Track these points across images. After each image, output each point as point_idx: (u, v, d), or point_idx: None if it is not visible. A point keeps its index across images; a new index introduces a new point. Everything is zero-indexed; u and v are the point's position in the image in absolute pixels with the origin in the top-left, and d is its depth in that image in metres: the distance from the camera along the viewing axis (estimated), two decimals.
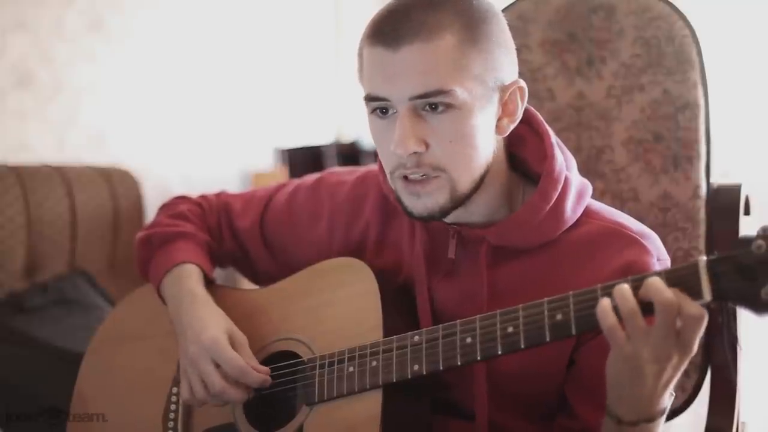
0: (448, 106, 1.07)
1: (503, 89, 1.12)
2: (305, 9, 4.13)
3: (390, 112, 1.11)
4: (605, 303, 0.96)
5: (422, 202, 1.12)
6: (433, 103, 1.07)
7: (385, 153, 1.14)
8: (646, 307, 0.95)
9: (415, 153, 1.09)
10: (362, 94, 1.15)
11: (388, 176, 1.15)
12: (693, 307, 0.93)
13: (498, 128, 1.14)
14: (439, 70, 1.06)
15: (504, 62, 1.12)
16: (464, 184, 1.12)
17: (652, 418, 1.01)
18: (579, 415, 1.14)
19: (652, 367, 0.96)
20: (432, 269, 1.22)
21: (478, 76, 1.08)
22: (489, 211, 1.18)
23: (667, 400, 1.02)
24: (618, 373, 1.00)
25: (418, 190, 1.11)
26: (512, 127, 1.16)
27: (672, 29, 1.49)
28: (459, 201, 1.12)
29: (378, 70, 1.09)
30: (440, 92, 1.07)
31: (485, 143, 1.12)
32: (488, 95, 1.10)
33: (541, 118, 1.21)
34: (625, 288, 0.96)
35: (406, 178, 1.12)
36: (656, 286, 0.94)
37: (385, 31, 1.08)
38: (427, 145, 1.09)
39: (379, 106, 1.11)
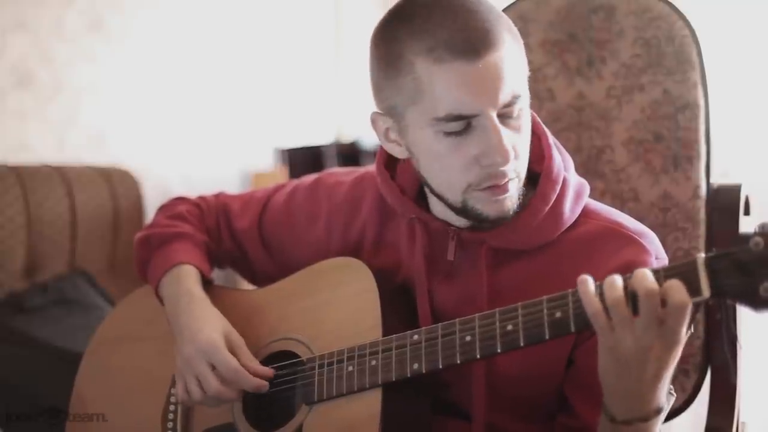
0: (522, 109, 1.09)
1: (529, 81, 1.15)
2: (305, 9, 4.13)
3: (461, 126, 1.07)
4: (590, 288, 0.96)
5: (500, 204, 1.11)
6: (514, 109, 1.08)
7: (458, 168, 1.09)
8: (636, 300, 0.95)
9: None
10: (424, 114, 1.08)
11: (461, 190, 1.11)
12: (676, 294, 0.93)
13: None
14: (514, 75, 1.07)
15: (525, 56, 1.14)
16: (523, 179, 1.13)
17: (646, 418, 1.01)
18: (579, 414, 1.14)
19: (635, 358, 0.96)
20: (432, 271, 1.22)
21: (525, 73, 1.11)
22: None
23: (663, 400, 1.02)
24: (604, 365, 1.00)
25: (498, 194, 1.10)
26: None
27: (672, 29, 1.49)
28: (521, 197, 1.14)
29: (462, 85, 1.05)
30: (518, 96, 1.08)
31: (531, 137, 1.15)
32: (528, 90, 1.12)
33: (537, 118, 1.22)
34: (615, 278, 0.96)
35: (492, 186, 1.10)
36: (639, 275, 0.95)
37: (454, 43, 1.04)
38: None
39: (460, 125, 1.07)
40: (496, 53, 1.05)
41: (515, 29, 1.11)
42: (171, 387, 1.30)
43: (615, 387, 1.01)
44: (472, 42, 1.04)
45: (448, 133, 1.08)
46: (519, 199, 1.13)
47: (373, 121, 1.18)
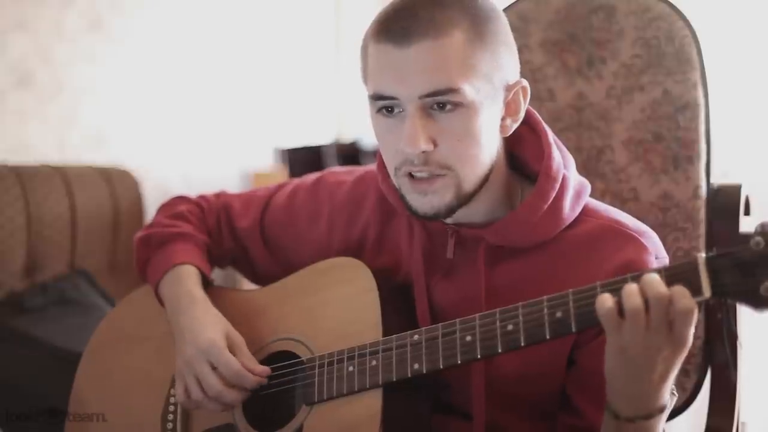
0: (457, 105, 1.07)
1: (508, 88, 1.12)
2: (305, 9, 4.13)
3: (396, 110, 1.10)
4: (605, 297, 0.97)
5: (428, 200, 1.11)
6: (441, 101, 1.07)
7: (390, 151, 1.13)
8: (646, 305, 0.95)
9: (423, 152, 1.08)
10: (366, 92, 1.13)
11: (392, 174, 1.15)
12: (682, 300, 0.93)
13: (501, 128, 1.14)
14: (449, 68, 1.06)
15: (509, 61, 1.12)
16: (470, 182, 1.11)
17: (649, 415, 1.01)
18: (585, 414, 1.14)
19: (645, 360, 0.97)
20: (430, 269, 1.22)
21: (485, 74, 1.08)
22: (490, 210, 1.18)
23: (666, 397, 1.02)
24: (613, 367, 1.00)
25: (424, 188, 1.11)
26: (515, 126, 1.16)
27: (672, 29, 1.49)
28: (464, 199, 1.12)
29: (386, 68, 1.08)
30: (450, 90, 1.06)
31: (490, 142, 1.12)
32: (494, 94, 1.10)
33: (539, 117, 1.21)
34: (633, 287, 0.96)
35: (411, 175, 1.11)
36: (649, 280, 0.95)
37: (394, 29, 1.07)
38: (435, 144, 1.08)
39: (385, 105, 1.10)
40: (430, 43, 1.05)
41: (491, 30, 1.09)
42: (171, 387, 1.30)
43: (622, 387, 1.01)
44: (407, 29, 1.06)
45: (384, 114, 1.11)
46: (457, 200, 1.11)
47: None
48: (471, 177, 1.11)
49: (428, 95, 1.07)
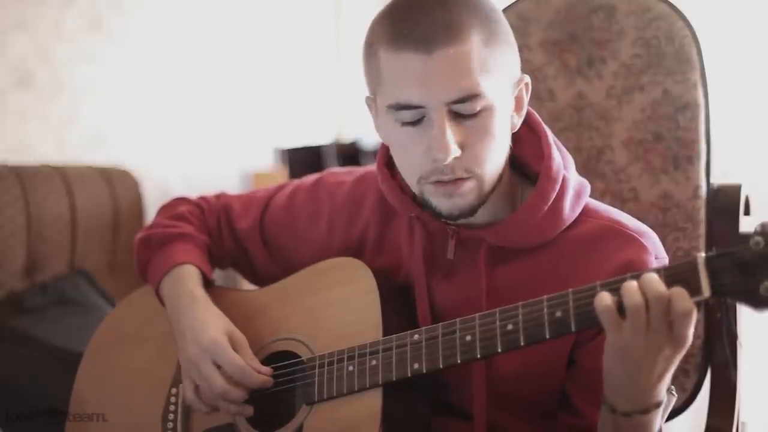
0: (481, 108, 1.07)
1: (514, 85, 1.13)
2: (305, 9, 4.13)
3: (418, 117, 1.09)
4: (604, 294, 0.97)
5: (453, 201, 1.11)
6: (467, 106, 1.07)
7: (413, 158, 1.11)
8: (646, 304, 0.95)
9: (454, 158, 1.08)
10: (381, 102, 1.12)
11: (414, 182, 1.13)
12: (681, 302, 0.93)
13: (511, 125, 1.15)
14: (472, 73, 1.06)
15: (513, 58, 1.13)
16: (490, 182, 1.12)
17: (646, 410, 1.02)
18: (585, 414, 1.14)
19: (645, 359, 0.97)
20: (431, 270, 1.22)
21: (498, 74, 1.09)
22: (492, 210, 1.18)
23: (663, 393, 1.02)
24: (612, 365, 1.01)
25: (450, 191, 1.10)
26: (520, 122, 1.16)
27: (672, 29, 1.49)
28: (485, 199, 1.13)
29: (409, 77, 1.06)
30: (475, 95, 1.06)
31: (506, 140, 1.13)
32: (505, 92, 1.11)
33: (538, 117, 1.22)
34: (633, 284, 0.96)
35: (438, 181, 1.10)
36: (648, 279, 0.95)
37: (411, 35, 1.05)
38: (462, 148, 1.08)
39: (411, 115, 1.08)
40: (452, 49, 1.05)
41: (498, 29, 1.09)
42: (171, 387, 1.30)
43: (620, 384, 1.02)
44: (428, 35, 1.05)
45: (404, 123, 1.09)
46: (479, 200, 1.12)
47: (368, 106, 1.20)
48: (491, 177, 1.12)
49: (455, 101, 1.06)
